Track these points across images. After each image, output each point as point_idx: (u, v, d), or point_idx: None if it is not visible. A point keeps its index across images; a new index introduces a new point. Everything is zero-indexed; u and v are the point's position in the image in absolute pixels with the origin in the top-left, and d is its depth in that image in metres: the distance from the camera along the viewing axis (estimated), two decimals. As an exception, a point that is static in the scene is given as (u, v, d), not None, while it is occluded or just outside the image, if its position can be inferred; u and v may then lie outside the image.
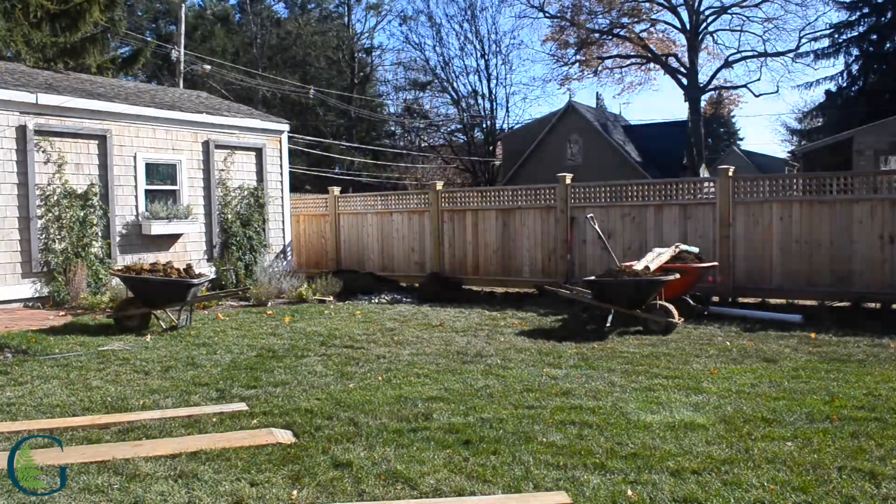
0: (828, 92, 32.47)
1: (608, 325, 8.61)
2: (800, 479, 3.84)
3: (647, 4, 37.45)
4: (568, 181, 12.31)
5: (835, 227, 9.97)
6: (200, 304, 10.54)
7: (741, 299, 10.76)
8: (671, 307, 8.52)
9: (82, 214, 11.25)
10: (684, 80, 37.42)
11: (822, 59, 32.31)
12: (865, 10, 30.67)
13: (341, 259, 14.97)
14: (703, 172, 34.10)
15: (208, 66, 26.50)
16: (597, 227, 10.48)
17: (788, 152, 44.49)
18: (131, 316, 8.97)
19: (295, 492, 3.78)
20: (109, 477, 3.98)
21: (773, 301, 10.61)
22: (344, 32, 42.86)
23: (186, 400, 5.63)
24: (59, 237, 11.05)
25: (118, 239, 11.81)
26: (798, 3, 34.03)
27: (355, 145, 36.84)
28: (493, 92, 40.19)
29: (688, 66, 37.33)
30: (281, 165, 14.44)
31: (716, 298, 10.66)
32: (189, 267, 9.45)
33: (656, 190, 11.56)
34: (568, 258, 12.03)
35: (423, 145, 42.07)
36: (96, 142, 11.63)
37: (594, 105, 43.14)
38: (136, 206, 12.08)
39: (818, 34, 33.53)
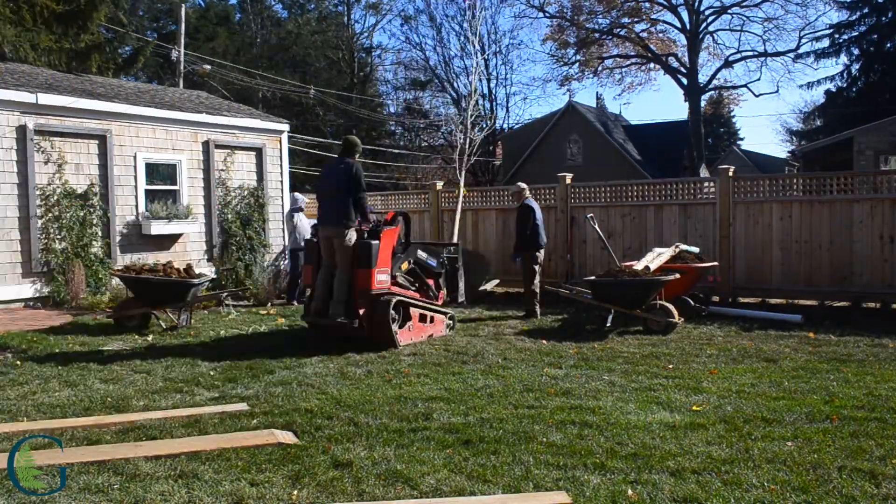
0: (828, 92, 32.47)
1: (608, 325, 8.62)
2: (800, 479, 3.84)
3: (647, 4, 37.47)
4: (568, 181, 12.31)
5: (835, 227, 9.97)
6: (200, 304, 10.55)
7: (741, 299, 10.76)
8: (671, 307, 8.52)
9: (82, 214, 11.25)
10: (684, 80, 37.43)
11: (822, 59, 32.33)
12: (865, 10, 30.67)
13: (341, 259, 14.95)
14: (703, 172, 34.08)
15: (208, 66, 26.49)
16: (597, 227, 10.48)
17: (788, 152, 44.46)
18: (131, 316, 8.97)
19: (295, 492, 3.78)
20: (109, 477, 3.98)
21: (772, 301, 10.61)
22: (343, 32, 42.85)
23: (187, 400, 5.63)
24: (59, 237, 11.05)
25: (118, 239, 11.81)
26: (798, 3, 34.06)
27: (355, 145, 36.75)
28: (494, 92, 40.22)
29: (688, 66, 37.32)
30: (281, 165, 14.44)
31: (716, 298, 10.66)
32: (189, 267, 9.46)
33: (656, 190, 11.56)
34: (568, 258, 12.03)
35: (423, 145, 42.04)
36: (96, 142, 11.63)
37: (594, 105, 43.11)
38: (136, 206, 12.08)
39: (818, 34, 33.55)
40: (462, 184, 12.73)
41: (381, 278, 7.59)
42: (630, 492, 3.70)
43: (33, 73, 13.41)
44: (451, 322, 8.82)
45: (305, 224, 11.65)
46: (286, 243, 12.08)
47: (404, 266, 8.29)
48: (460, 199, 12.65)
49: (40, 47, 17.27)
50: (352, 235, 7.59)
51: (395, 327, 7.68)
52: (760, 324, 9.01)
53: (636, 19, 37.98)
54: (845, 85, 31.56)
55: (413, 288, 8.41)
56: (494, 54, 39.81)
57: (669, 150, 33.59)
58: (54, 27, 17.96)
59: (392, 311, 7.61)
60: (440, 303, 8.77)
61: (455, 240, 12.20)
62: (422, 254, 8.62)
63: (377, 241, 7.55)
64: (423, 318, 8.24)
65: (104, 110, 11.72)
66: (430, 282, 8.68)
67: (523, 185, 10.54)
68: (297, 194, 12.63)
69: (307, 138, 31.56)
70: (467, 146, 12.66)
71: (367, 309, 7.57)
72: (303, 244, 11.62)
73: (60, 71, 16.35)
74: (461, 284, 9.14)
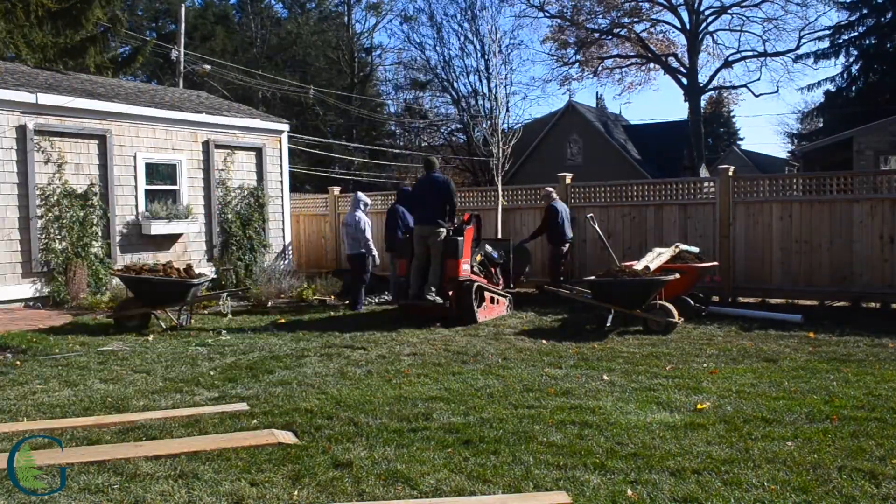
0: (828, 92, 32.46)
1: (608, 324, 8.62)
2: (800, 479, 3.84)
3: (647, 4, 37.45)
4: (568, 181, 12.31)
5: (835, 227, 9.97)
6: (200, 304, 10.55)
7: (741, 299, 10.76)
8: (671, 307, 8.52)
9: (82, 214, 11.26)
10: (684, 80, 37.40)
11: (822, 59, 32.26)
12: (865, 11, 30.66)
13: (341, 259, 14.96)
14: (703, 172, 34.06)
15: (208, 66, 26.47)
16: (597, 227, 10.48)
17: (788, 152, 44.45)
18: (131, 316, 8.98)
19: (295, 492, 3.78)
20: (109, 477, 3.98)
21: (772, 301, 10.61)
22: (344, 32, 42.82)
23: (187, 400, 5.63)
24: (59, 237, 11.05)
25: (118, 239, 11.82)
26: (798, 2, 34.01)
27: (355, 145, 36.82)
28: (494, 91, 40.15)
29: (688, 66, 37.30)
30: (281, 165, 14.45)
31: (716, 298, 10.66)
32: (189, 267, 9.46)
33: (656, 190, 11.56)
34: (568, 258, 12.02)
35: (423, 145, 42.01)
36: (96, 142, 11.63)
37: (594, 105, 43.10)
38: (136, 206, 12.09)
39: (818, 34, 33.53)
40: (500, 187, 13.07)
41: (465, 268, 9.33)
42: (630, 492, 3.70)
43: (33, 74, 13.41)
44: (510, 305, 10.38)
45: (369, 228, 11.09)
46: (361, 247, 10.86)
47: (478, 258, 10.00)
48: (500, 200, 12.90)
49: (35, 44, 17.28)
50: (443, 233, 9.23)
51: (474, 306, 9.24)
52: (760, 324, 9.00)
53: (636, 19, 37.96)
54: (845, 85, 31.55)
55: (482, 275, 10.01)
56: (495, 54, 39.77)
57: (669, 150, 33.60)
58: (48, 24, 17.96)
59: (474, 295, 9.23)
60: (500, 288, 10.34)
61: (501, 236, 12.69)
62: (489, 247, 10.41)
63: (461, 238, 9.27)
64: (492, 301, 9.83)
65: (104, 110, 11.73)
66: (493, 270, 10.37)
67: (551, 189, 11.67)
68: (363, 195, 11.62)
69: (307, 138, 31.53)
70: (501, 154, 13.61)
71: (454, 292, 9.21)
72: (368, 248, 10.95)
73: (55, 67, 16.37)
74: (512, 273, 10.88)
